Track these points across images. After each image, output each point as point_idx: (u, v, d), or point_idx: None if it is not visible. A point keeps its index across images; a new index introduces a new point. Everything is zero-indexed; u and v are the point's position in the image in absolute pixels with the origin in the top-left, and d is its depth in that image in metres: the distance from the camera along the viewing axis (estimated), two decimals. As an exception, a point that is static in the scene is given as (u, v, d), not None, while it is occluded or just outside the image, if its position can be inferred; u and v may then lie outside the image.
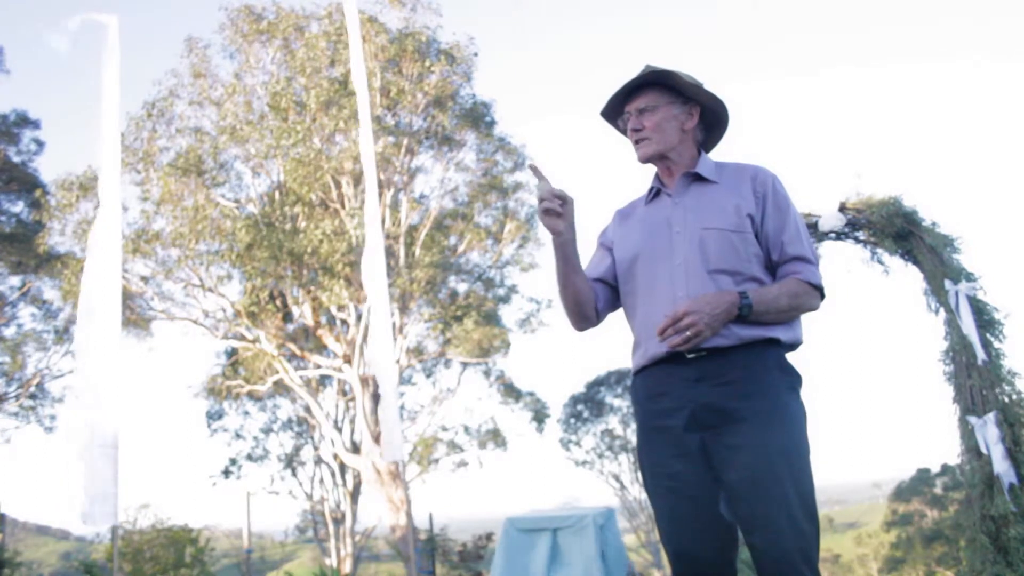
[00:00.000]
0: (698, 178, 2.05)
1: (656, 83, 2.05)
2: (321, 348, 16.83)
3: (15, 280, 17.59)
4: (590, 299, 2.06)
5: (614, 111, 2.14)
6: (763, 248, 1.97)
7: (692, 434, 1.86)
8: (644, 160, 2.09)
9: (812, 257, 1.98)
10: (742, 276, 1.92)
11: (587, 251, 2.24)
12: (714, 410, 1.84)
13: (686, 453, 1.87)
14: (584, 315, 2.08)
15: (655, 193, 2.12)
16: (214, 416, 18.67)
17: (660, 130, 2.04)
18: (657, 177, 2.13)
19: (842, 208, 4.19)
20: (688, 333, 1.80)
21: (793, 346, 1.96)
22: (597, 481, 26.30)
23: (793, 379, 1.92)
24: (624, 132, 2.15)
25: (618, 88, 2.08)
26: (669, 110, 2.05)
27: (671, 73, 2.02)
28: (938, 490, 26.60)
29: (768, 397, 1.84)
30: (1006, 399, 3.63)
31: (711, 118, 2.12)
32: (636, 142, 2.07)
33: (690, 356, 1.88)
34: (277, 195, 15.18)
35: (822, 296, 1.99)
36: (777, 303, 1.88)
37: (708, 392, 1.85)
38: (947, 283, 3.81)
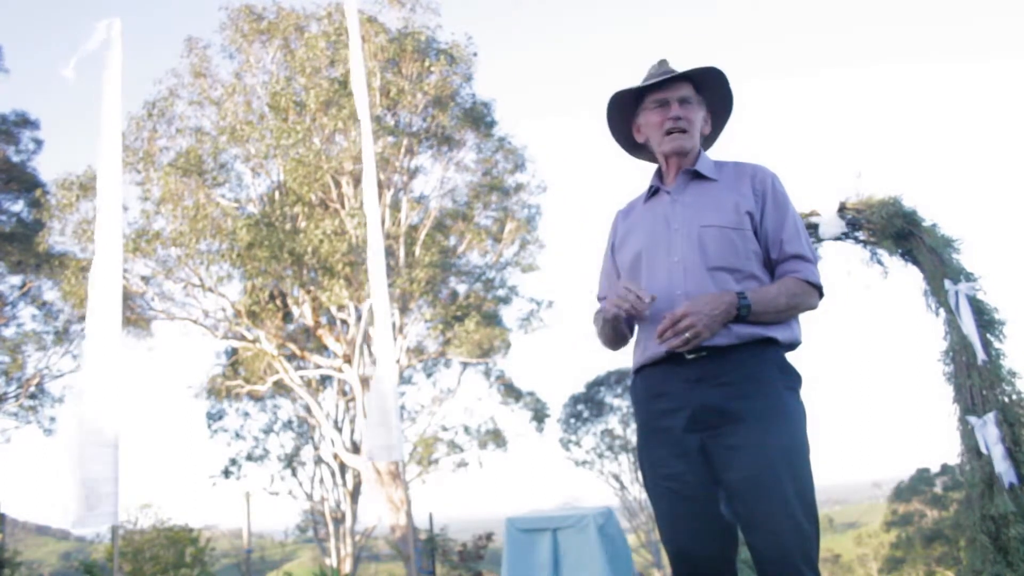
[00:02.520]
0: (697, 176, 2.05)
1: (691, 80, 2.05)
2: (321, 348, 16.83)
3: (15, 280, 17.60)
4: (627, 329, 2.09)
5: (632, 96, 2.11)
6: (762, 246, 1.97)
7: (692, 434, 1.86)
8: (676, 151, 2.05)
9: (811, 255, 1.98)
10: (741, 273, 1.92)
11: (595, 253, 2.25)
12: (714, 410, 1.84)
13: (686, 453, 1.87)
14: (623, 343, 2.12)
15: (654, 191, 2.12)
16: (214, 416, 18.67)
17: (694, 126, 2.05)
18: (656, 175, 2.13)
19: (842, 208, 4.19)
20: (687, 335, 1.80)
21: (792, 346, 1.96)
22: (597, 481, 26.30)
23: (792, 379, 1.92)
24: (620, 126, 2.16)
25: (674, 72, 2.05)
26: (700, 109, 2.07)
27: (723, 75, 2.04)
28: (938, 490, 26.58)
29: (767, 397, 1.84)
30: (1006, 399, 3.63)
31: (716, 125, 2.16)
32: (671, 131, 2.03)
33: (690, 356, 1.88)
34: (277, 195, 15.18)
35: (821, 295, 1.98)
36: (776, 303, 1.88)
37: (708, 393, 1.85)
38: (947, 283, 3.81)
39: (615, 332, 2.06)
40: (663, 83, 2.05)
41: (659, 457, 1.92)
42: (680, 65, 2.08)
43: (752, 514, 1.79)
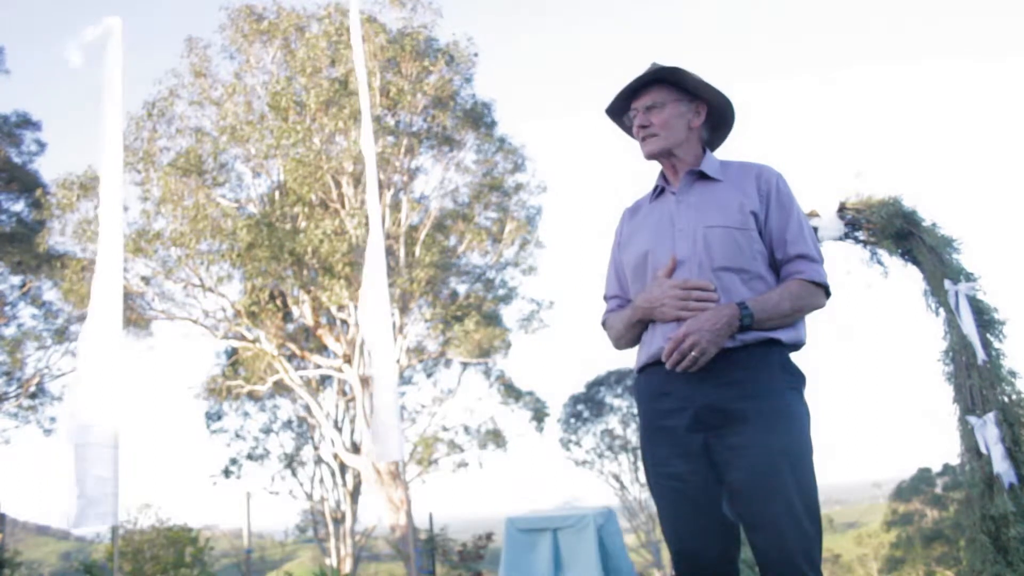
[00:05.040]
0: (702, 176, 2.05)
1: (664, 80, 2.05)
2: (321, 348, 16.83)
3: (15, 280, 17.60)
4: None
5: (620, 108, 2.13)
6: (767, 246, 1.97)
7: (695, 434, 1.86)
8: (650, 156, 2.08)
9: (816, 255, 1.97)
10: (748, 274, 1.92)
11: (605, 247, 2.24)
12: (717, 411, 1.84)
13: (688, 453, 1.87)
14: (634, 344, 2.10)
15: (659, 191, 2.12)
16: (213, 417, 18.69)
17: (667, 127, 2.04)
18: (662, 175, 2.12)
19: (842, 208, 4.19)
20: (693, 354, 1.81)
21: (796, 346, 1.96)
22: (597, 481, 26.31)
23: (796, 379, 1.92)
24: (629, 130, 2.16)
25: (625, 85, 2.08)
26: (676, 107, 2.05)
27: (679, 70, 2.02)
28: (938, 490, 26.59)
29: (771, 397, 1.84)
30: (1006, 399, 3.63)
31: (717, 117, 2.12)
32: (643, 138, 2.06)
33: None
34: (277, 195, 15.18)
35: (828, 294, 1.98)
36: (779, 308, 1.88)
37: (711, 393, 1.85)
38: (947, 283, 3.81)
39: (640, 331, 2.04)
40: (636, 93, 2.08)
41: (662, 456, 1.92)
42: (668, 64, 2.08)
43: (755, 514, 1.80)
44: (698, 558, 1.88)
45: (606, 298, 2.21)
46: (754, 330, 1.86)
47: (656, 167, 2.14)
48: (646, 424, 1.98)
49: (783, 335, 1.90)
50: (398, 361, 15.44)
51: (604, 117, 2.19)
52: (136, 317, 15.81)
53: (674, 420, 1.89)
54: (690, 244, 1.94)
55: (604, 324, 2.19)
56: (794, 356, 1.96)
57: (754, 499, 1.79)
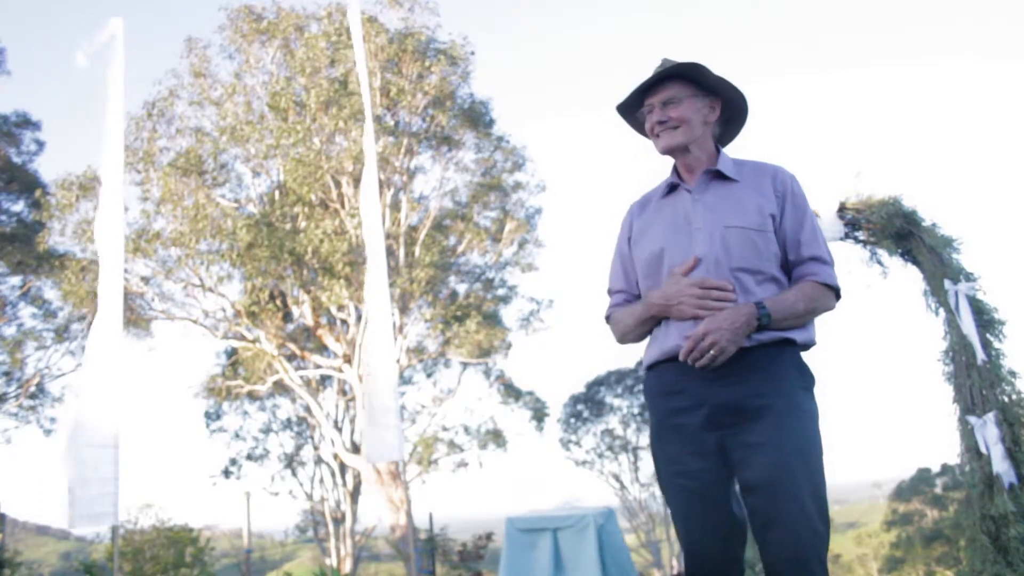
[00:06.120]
0: (719, 176, 2.04)
1: (679, 76, 2.05)
2: (321, 348, 16.83)
3: (15, 280, 17.60)
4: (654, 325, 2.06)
5: (632, 105, 2.13)
6: (780, 247, 1.97)
7: (709, 432, 1.87)
8: (666, 151, 2.07)
9: (828, 257, 1.99)
10: (763, 275, 1.93)
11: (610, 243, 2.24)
12: (732, 409, 1.85)
13: (702, 451, 1.88)
14: (640, 339, 2.10)
15: (672, 187, 2.10)
16: (213, 417, 18.68)
17: (685, 121, 2.03)
18: (675, 171, 2.11)
19: (842, 208, 4.19)
20: (712, 352, 1.81)
21: (807, 346, 1.97)
22: (597, 481, 26.25)
23: (808, 379, 1.93)
24: (640, 126, 2.15)
25: (643, 80, 2.07)
26: (693, 103, 2.04)
27: (698, 66, 2.02)
28: (938, 490, 26.62)
29: (784, 396, 1.85)
30: (1006, 399, 3.63)
31: (730, 113, 2.12)
32: (659, 133, 2.05)
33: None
34: (277, 195, 15.18)
35: (838, 296, 2.00)
36: (794, 309, 1.89)
37: (725, 391, 1.86)
38: (947, 283, 3.81)
39: (650, 327, 2.04)
40: (649, 89, 2.07)
41: (674, 454, 1.93)
42: (682, 59, 2.07)
43: (768, 513, 1.80)
44: (709, 556, 1.89)
45: (611, 292, 2.20)
46: (769, 330, 1.87)
47: (665, 164, 2.14)
48: (659, 422, 1.98)
49: (797, 335, 1.92)
50: (398, 361, 15.44)
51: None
52: (136, 317, 15.80)
53: (687, 418, 1.90)
54: (708, 243, 1.94)
55: (609, 319, 2.18)
56: (805, 356, 1.98)
57: (767, 498, 1.80)
